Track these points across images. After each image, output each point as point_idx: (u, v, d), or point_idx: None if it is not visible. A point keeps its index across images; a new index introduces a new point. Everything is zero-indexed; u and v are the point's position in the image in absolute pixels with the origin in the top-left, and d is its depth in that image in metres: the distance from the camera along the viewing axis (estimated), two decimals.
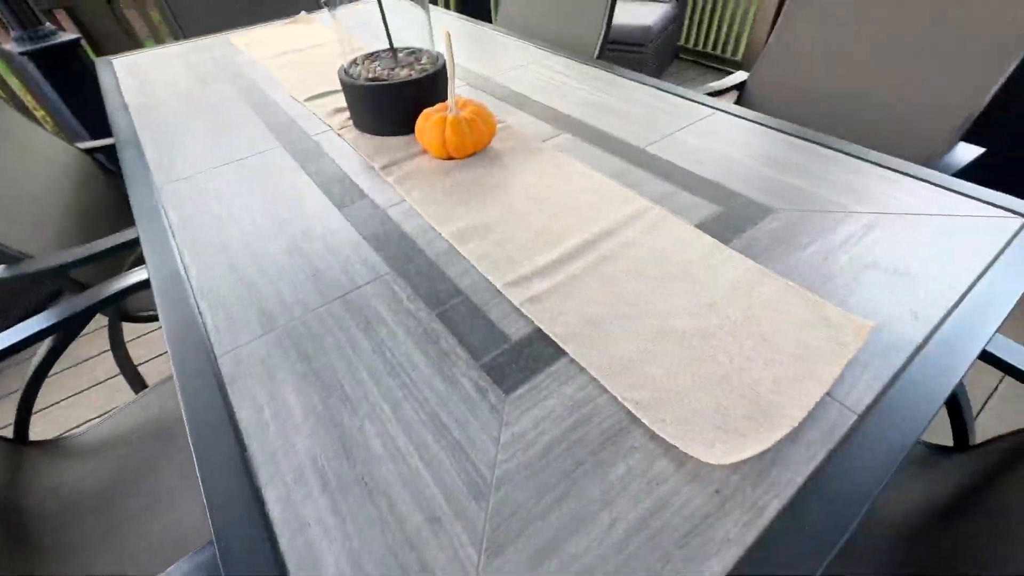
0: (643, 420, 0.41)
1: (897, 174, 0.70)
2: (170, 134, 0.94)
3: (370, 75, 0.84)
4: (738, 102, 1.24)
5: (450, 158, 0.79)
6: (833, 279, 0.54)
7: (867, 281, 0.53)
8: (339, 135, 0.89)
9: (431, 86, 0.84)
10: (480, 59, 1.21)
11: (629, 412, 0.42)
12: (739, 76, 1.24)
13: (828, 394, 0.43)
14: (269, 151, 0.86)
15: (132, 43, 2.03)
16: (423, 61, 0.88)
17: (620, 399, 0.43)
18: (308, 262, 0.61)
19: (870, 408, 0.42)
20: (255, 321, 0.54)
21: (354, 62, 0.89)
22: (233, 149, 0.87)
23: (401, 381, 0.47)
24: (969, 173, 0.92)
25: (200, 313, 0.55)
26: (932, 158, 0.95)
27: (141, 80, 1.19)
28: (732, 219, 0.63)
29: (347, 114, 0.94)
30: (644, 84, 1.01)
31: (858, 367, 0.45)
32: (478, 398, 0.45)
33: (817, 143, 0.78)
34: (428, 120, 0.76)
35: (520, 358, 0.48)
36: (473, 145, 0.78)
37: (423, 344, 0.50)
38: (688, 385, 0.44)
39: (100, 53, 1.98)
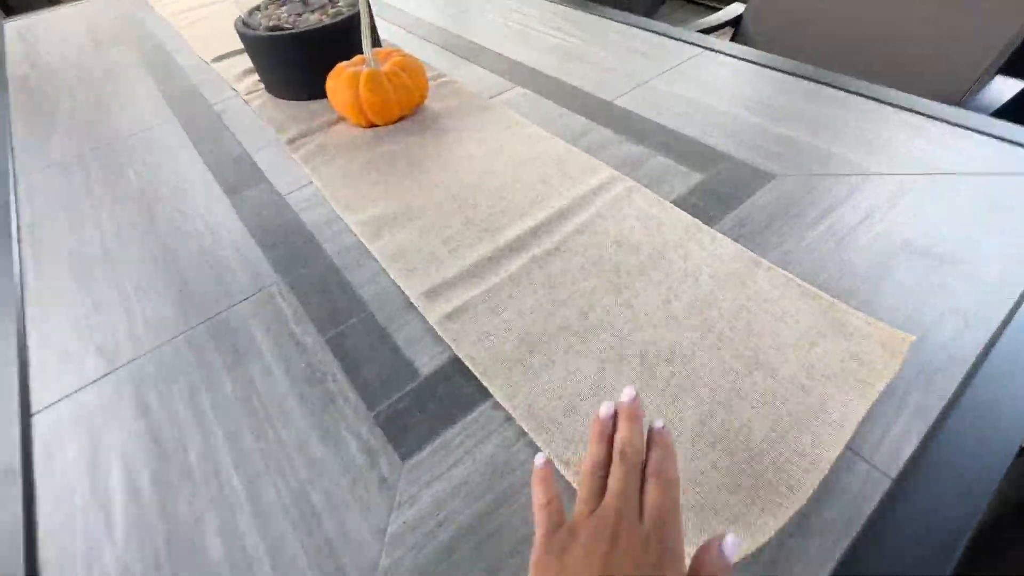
0: None
1: (925, 119, 0.55)
2: (48, 111, 0.78)
3: (271, 23, 0.67)
4: (734, 40, 1.06)
5: (372, 125, 0.63)
6: (852, 270, 0.40)
7: (898, 271, 0.40)
8: (246, 101, 0.74)
9: (350, 35, 0.68)
10: (431, 2, 1.02)
11: (569, 484, 0.30)
12: (735, 8, 1.06)
13: (850, 447, 0.30)
14: (159, 127, 0.71)
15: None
16: (339, 3, 0.71)
17: (557, 464, 0.31)
18: (177, 272, 0.48)
19: (911, 466, 0.29)
20: (92, 359, 0.41)
21: (256, 8, 0.72)
22: (118, 126, 0.72)
23: (266, 444, 0.34)
24: (1008, 113, 0.77)
25: (25, 348, 0.43)
26: (963, 96, 0.80)
27: (31, 46, 1.01)
28: (719, 190, 0.49)
29: (258, 76, 0.78)
30: (619, 22, 0.84)
31: (891, 402, 0.32)
32: (365, 466, 0.32)
33: (826, 84, 0.62)
34: (339, 77, 0.61)
35: (429, 403, 0.35)
36: (399, 106, 0.62)
37: (304, 385, 0.37)
38: None
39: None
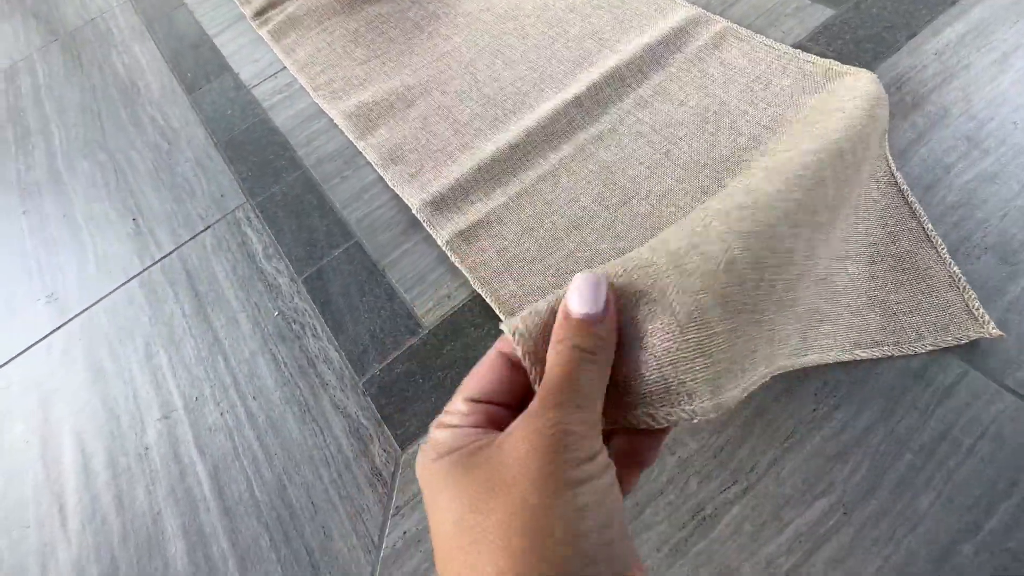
0: None
1: None
2: None
3: None
4: None
5: None
6: None
7: None
8: None
9: None
10: None
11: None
12: None
13: None
14: (108, 11, 0.58)
15: None
16: None
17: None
18: (124, 199, 0.39)
19: None
20: (42, 309, 0.34)
21: None
22: (57, 14, 0.60)
23: (234, 420, 0.27)
24: None
25: None
26: None
27: None
28: (862, 29, 0.33)
29: None
30: None
31: None
32: (352, 455, 0.25)
33: None
34: None
35: (435, 366, 0.26)
36: None
37: (277, 342, 0.29)
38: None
39: None
